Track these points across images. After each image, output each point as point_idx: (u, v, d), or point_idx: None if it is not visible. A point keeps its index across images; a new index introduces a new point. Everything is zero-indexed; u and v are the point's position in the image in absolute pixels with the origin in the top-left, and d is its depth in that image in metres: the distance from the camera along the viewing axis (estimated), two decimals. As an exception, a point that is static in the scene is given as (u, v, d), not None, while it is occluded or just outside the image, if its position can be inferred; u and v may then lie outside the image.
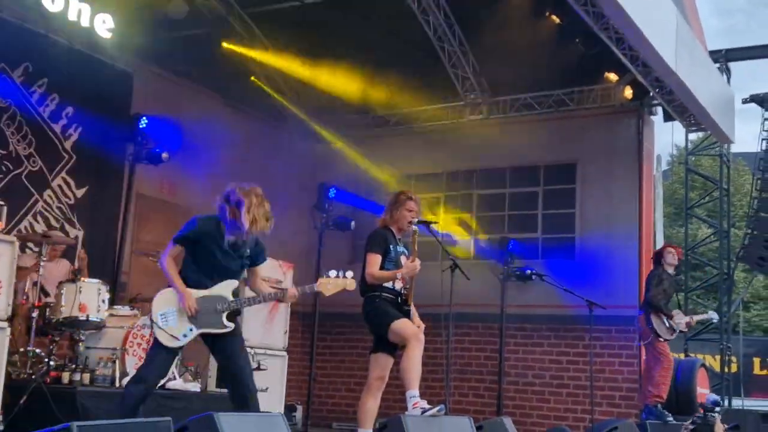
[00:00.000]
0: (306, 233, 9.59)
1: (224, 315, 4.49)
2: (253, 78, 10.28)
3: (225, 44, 9.90)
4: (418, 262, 5.31)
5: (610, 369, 9.40)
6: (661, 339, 7.87)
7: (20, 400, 5.35)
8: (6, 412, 5.35)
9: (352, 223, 9.70)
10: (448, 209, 10.71)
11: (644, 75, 8.77)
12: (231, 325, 4.50)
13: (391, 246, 5.39)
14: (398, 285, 5.39)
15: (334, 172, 10.32)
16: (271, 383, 7.55)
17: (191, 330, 4.40)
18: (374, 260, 5.34)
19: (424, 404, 5.06)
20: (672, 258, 8.14)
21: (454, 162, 10.58)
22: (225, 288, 4.50)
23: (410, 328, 5.20)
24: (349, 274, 4.85)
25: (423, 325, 5.45)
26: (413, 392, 5.10)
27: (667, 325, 7.89)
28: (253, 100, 10.48)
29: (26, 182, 7.79)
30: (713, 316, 9.00)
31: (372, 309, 5.34)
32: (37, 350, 6.07)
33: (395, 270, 5.31)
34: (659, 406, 7.69)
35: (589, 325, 8.51)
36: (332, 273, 4.79)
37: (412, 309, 5.44)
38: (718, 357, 11.45)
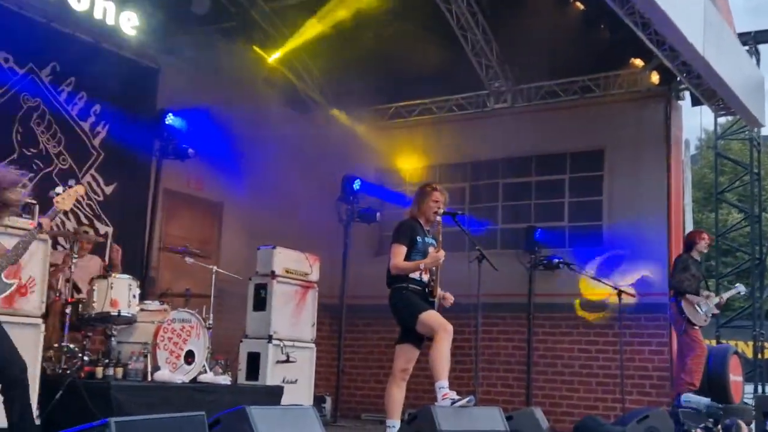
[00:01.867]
0: (332, 226, 9.61)
1: (2, 275, 4.28)
2: (275, 65, 10.30)
3: (248, 41, 9.94)
4: (442, 252, 5.32)
5: (640, 357, 9.33)
6: (695, 326, 7.81)
7: (56, 395, 5.44)
8: (42, 407, 5.44)
9: (378, 215, 9.72)
10: (474, 199, 10.67)
11: (671, 59, 8.65)
12: (14, 282, 4.33)
13: (418, 237, 5.40)
14: (425, 277, 5.40)
15: (360, 163, 10.32)
16: (300, 375, 7.61)
17: None
18: (399, 251, 5.36)
19: (454, 395, 5.08)
20: (704, 246, 8.08)
21: (479, 151, 10.53)
22: None
23: (439, 320, 5.21)
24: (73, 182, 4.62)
25: (452, 299, 5.45)
26: (442, 383, 5.11)
27: (702, 310, 7.82)
28: (278, 94, 10.52)
29: (57, 180, 7.89)
30: (740, 288, 8.84)
31: (399, 300, 5.36)
32: (71, 346, 6.16)
33: (417, 261, 5.33)
34: (692, 393, 7.63)
35: (618, 313, 8.48)
36: (59, 189, 4.54)
37: (441, 294, 5.46)
38: (750, 343, 11.30)
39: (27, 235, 4.37)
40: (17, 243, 4.41)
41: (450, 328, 5.20)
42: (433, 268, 5.38)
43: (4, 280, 4.32)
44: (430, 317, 5.23)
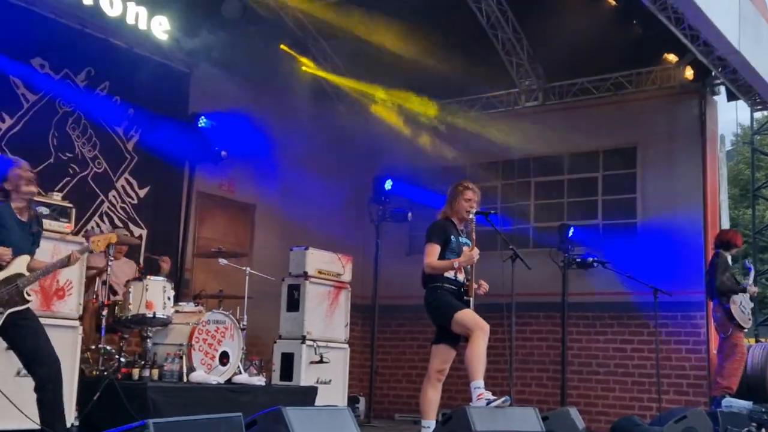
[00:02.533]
0: (364, 226, 9.62)
1: (25, 290, 4.46)
2: (305, 68, 10.35)
3: (278, 42, 10.00)
4: (476, 251, 5.30)
5: (677, 356, 9.21)
6: (743, 329, 7.69)
7: (93, 396, 5.52)
8: (80, 407, 5.52)
9: (409, 215, 9.70)
10: (506, 198, 10.61)
11: (706, 54, 8.52)
12: (32, 298, 4.52)
13: (452, 237, 5.38)
14: (460, 276, 5.38)
15: (392, 163, 10.31)
16: (334, 376, 7.63)
17: (1, 312, 4.35)
18: (432, 250, 5.34)
19: (489, 395, 5.04)
20: (739, 247, 7.97)
21: (511, 150, 10.47)
22: (20, 265, 4.47)
23: (475, 319, 5.18)
24: (108, 229, 4.97)
25: (487, 286, 5.42)
26: (478, 383, 5.08)
27: (746, 311, 7.69)
28: (309, 96, 10.55)
29: (92, 184, 8.01)
30: (749, 266, 8.67)
31: (434, 300, 5.35)
32: (108, 347, 6.25)
33: (451, 260, 5.31)
34: (728, 396, 7.50)
35: (654, 312, 8.37)
36: (97, 230, 4.91)
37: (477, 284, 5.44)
38: (789, 342, 11.09)
39: (59, 262, 4.67)
40: (49, 265, 4.65)
41: (486, 327, 5.17)
42: (468, 267, 5.35)
43: (25, 296, 4.46)
44: (466, 316, 5.21)
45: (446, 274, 5.33)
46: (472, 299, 5.37)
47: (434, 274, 5.34)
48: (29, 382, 4.51)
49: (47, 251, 5.47)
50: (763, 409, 7.19)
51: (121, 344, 6.39)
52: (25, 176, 4.62)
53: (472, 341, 5.14)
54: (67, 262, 4.64)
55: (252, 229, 10.03)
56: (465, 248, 5.40)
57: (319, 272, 7.70)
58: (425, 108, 10.50)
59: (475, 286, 5.43)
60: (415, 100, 10.40)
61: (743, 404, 7.38)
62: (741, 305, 7.71)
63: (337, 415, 3.97)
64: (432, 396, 5.31)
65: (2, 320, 4.36)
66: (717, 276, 7.72)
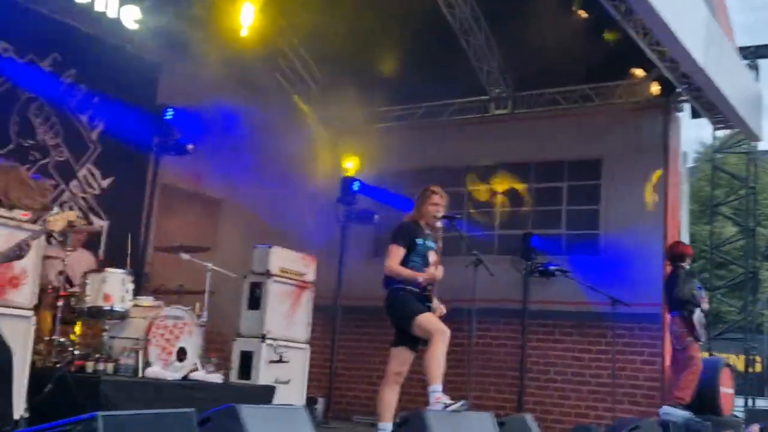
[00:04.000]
0: (329, 226, 9.59)
1: None
2: (279, 77, 10.31)
3: (250, 36, 9.90)
4: (440, 270, 5.30)
5: (632, 367, 9.32)
6: (700, 342, 7.81)
7: (44, 387, 5.41)
8: (30, 399, 5.41)
9: (376, 217, 9.70)
10: (472, 204, 10.66)
11: (672, 71, 8.66)
12: None
13: (417, 239, 5.39)
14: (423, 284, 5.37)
15: (359, 165, 10.30)
16: (293, 376, 7.58)
17: None
18: (395, 252, 5.35)
19: (447, 399, 5.06)
20: (690, 256, 8.12)
21: (478, 156, 10.53)
22: None
23: (435, 322, 5.20)
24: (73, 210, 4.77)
25: (444, 310, 5.44)
26: (436, 387, 5.10)
27: (703, 323, 7.82)
28: (278, 93, 10.50)
29: (52, 172, 7.86)
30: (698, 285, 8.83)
31: (395, 301, 5.35)
32: (62, 339, 6.14)
33: (416, 270, 5.31)
34: (680, 406, 7.61)
35: (612, 322, 8.47)
36: (54, 210, 4.72)
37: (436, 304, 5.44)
38: (742, 357, 11.33)
39: (10, 250, 4.50)
40: (5, 251, 4.50)
41: (447, 332, 5.19)
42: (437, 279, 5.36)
43: None
44: (427, 320, 5.22)
45: None
46: (433, 305, 5.39)
47: (391, 276, 5.35)
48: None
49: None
50: (699, 420, 7.32)
51: (76, 337, 6.28)
52: None
53: (432, 345, 5.15)
54: (18, 251, 4.51)
55: (216, 225, 9.93)
56: (430, 252, 5.41)
57: (283, 271, 7.65)
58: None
59: (436, 302, 5.44)
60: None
61: (681, 414, 7.50)
62: (698, 319, 7.84)
63: (293, 414, 3.94)
64: (389, 398, 5.31)
65: None
66: (679, 286, 7.82)
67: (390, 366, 5.39)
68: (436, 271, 5.31)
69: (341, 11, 9.50)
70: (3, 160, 4.57)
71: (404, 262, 5.38)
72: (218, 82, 9.35)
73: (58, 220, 4.64)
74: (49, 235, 5.10)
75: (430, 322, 5.21)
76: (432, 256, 5.45)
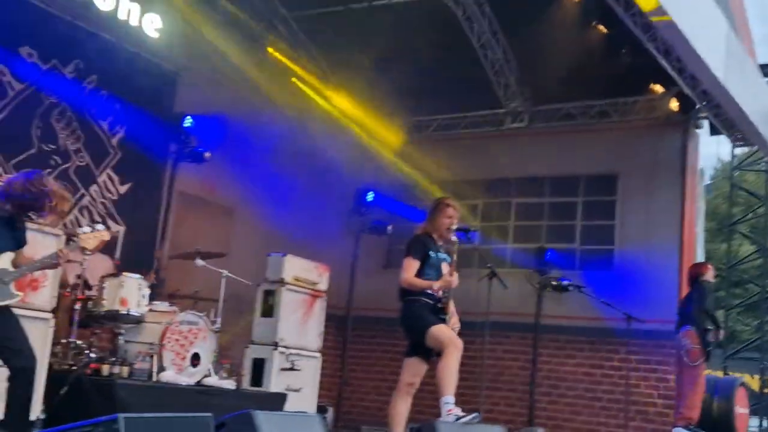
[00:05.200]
0: (343, 237, 9.62)
1: (11, 285, 4.45)
2: (294, 80, 10.37)
3: (270, 49, 10.01)
4: (456, 277, 5.32)
5: (645, 384, 9.27)
6: (708, 360, 7.77)
7: (61, 390, 5.46)
8: (47, 401, 5.46)
9: (389, 228, 9.72)
10: (486, 217, 10.67)
11: (692, 87, 8.65)
12: (20, 294, 4.50)
13: (431, 252, 5.40)
14: (438, 291, 5.39)
15: (373, 176, 10.34)
16: (305, 384, 7.59)
17: None
18: (411, 265, 5.36)
19: (459, 411, 5.06)
20: (711, 276, 8.04)
21: (493, 170, 10.54)
22: (4, 261, 4.46)
23: (448, 334, 5.21)
24: (101, 227, 4.79)
25: (459, 325, 5.45)
26: (448, 398, 5.10)
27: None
28: (295, 103, 10.56)
29: (74, 177, 7.94)
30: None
31: (410, 313, 5.36)
32: (79, 342, 6.18)
33: (431, 281, 5.33)
34: (691, 427, 7.57)
35: (626, 339, 8.43)
36: (87, 228, 4.76)
37: (452, 310, 5.45)
38: (757, 376, 11.22)
39: (47, 259, 4.58)
40: (36, 261, 4.59)
41: (460, 344, 5.19)
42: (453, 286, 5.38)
43: (12, 290, 4.42)
44: (440, 331, 5.23)
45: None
46: (448, 316, 5.39)
47: (408, 288, 5.37)
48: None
49: (29, 245, 5.41)
50: None
51: (92, 340, 6.32)
52: None
53: (445, 356, 5.15)
54: (55, 260, 4.56)
55: (231, 233, 9.98)
56: (443, 264, 5.43)
57: (296, 279, 7.67)
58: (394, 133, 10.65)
59: (451, 312, 5.45)
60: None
61: None
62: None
63: (307, 421, 3.96)
64: (401, 409, 5.31)
65: None
66: (704, 303, 7.76)
67: (403, 376, 5.40)
68: (451, 277, 5.31)
69: (358, 22, 9.58)
70: (38, 172, 4.66)
71: (418, 275, 5.40)
72: (235, 91, 9.42)
73: (90, 238, 4.68)
74: (69, 238, 5.17)
75: (443, 333, 5.22)
76: (445, 268, 5.47)
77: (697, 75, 8.21)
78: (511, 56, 10.04)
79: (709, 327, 7.73)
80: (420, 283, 5.33)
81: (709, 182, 23.23)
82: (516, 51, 9.97)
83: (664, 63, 8.19)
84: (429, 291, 5.33)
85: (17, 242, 4.60)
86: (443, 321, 5.33)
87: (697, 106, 9.29)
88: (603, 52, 9.09)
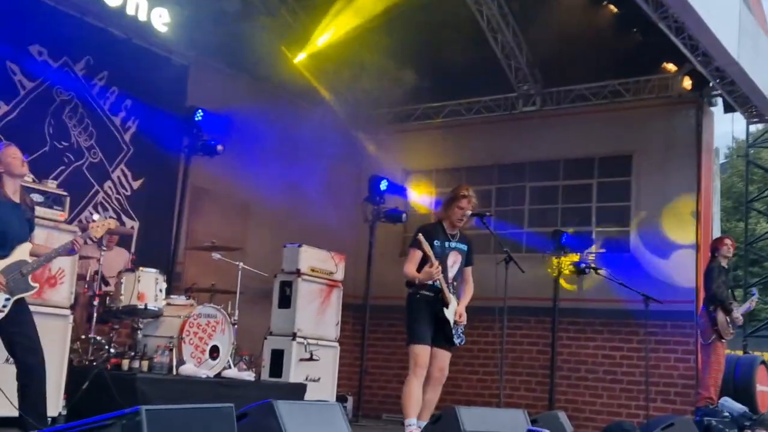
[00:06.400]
0: (358, 225, 9.62)
1: (29, 277, 4.48)
2: (302, 69, 10.34)
3: (279, 41, 9.98)
4: (435, 267, 5.22)
5: (666, 365, 9.23)
6: (723, 340, 7.72)
7: (82, 385, 5.50)
8: (69, 397, 5.50)
9: (404, 216, 9.70)
10: (500, 202, 10.62)
11: (704, 65, 8.55)
12: (37, 285, 4.55)
13: (436, 241, 5.36)
14: (440, 282, 5.34)
15: (387, 164, 10.31)
16: (323, 374, 7.62)
17: (8, 299, 4.36)
18: (412, 256, 5.36)
19: None
20: (727, 250, 7.95)
21: (507, 154, 10.48)
22: (23, 251, 4.49)
23: (421, 360, 5.22)
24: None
25: (464, 319, 5.41)
26: (409, 420, 5.14)
27: (728, 322, 7.72)
28: (307, 94, 10.54)
29: (87, 174, 7.97)
30: (753, 292, 8.71)
31: (409, 312, 5.38)
32: (98, 338, 6.23)
33: (417, 274, 5.29)
34: (710, 406, 7.54)
35: (645, 320, 8.38)
36: (96, 217, 4.85)
37: (460, 308, 5.42)
38: (778, 354, 11.14)
39: (63, 247, 4.61)
40: (52, 251, 4.62)
41: (421, 373, 5.22)
42: (439, 278, 5.30)
43: (30, 282, 4.45)
44: (416, 353, 5.23)
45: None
46: (447, 310, 5.34)
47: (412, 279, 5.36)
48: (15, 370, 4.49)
49: (41, 239, 5.44)
50: (755, 418, 7.24)
51: (112, 335, 6.37)
52: (18, 156, 4.60)
53: (406, 381, 5.21)
54: (71, 247, 4.60)
55: (246, 225, 9.99)
56: (453, 253, 5.39)
57: (312, 270, 7.68)
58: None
59: (458, 307, 5.41)
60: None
61: (737, 407, 7.44)
62: (728, 320, 7.74)
63: (328, 409, 3.96)
64: (417, 394, 5.30)
65: (9, 307, 4.34)
66: (711, 282, 7.73)
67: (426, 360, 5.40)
68: (431, 269, 5.21)
69: (367, 10, 9.53)
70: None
71: (423, 265, 5.35)
72: (246, 83, 9.41)
73: (98, 227, 4.75)
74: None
75: (418, 356, 5.23)
76: (452, 258, 5.41)
77: (710, 52, 8.12)
78: (521, 39, 9.96)
79: (712, 307, 7.68)
80: (410, 274, 5.32)
81: (724, 161, 23.05)
82: (526, 33, 9.89)
83: (676, 41, 8.10)
84: (429, 282, 5.30)
85: (30, 226, 4.63)
86: (443, 315, 5.28)
87: (711, 84, 9.18)
88: (614, 31, 9.01)
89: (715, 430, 6.09)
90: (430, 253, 5.21)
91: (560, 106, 10.40)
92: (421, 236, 5.27)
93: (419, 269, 5.31)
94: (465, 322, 5.46)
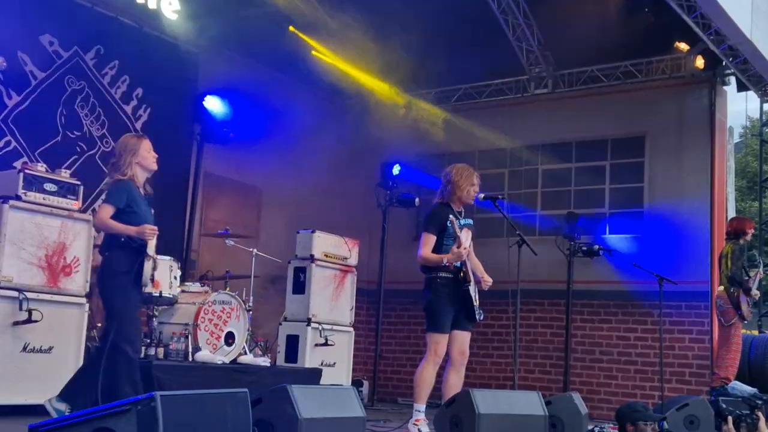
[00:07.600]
0: (371, 210, 9.62)
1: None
2: (314, 53, 10.31)
3: (290, 27, 9.94)
4: (464, 248, 5.27)
5: (680, 345, 9.21)
6: (744, 321, 7.73)
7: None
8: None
9: (417, 200, 9.69)
10: (513, 185, 10.60)
11: (717, 44, 8.47)
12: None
13: (448, 222, 5.38)
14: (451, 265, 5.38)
15: (399, 148, 10.29)
16: (338, 359, 7.66)
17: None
18: (426, 240, 5.40)
19: (425, 428, 5.14)
20: (750, 236, 7.99)
21: (519, 137, 10.44)
22: (152, 245, 4.70)
23: (439, 348, 5.30)
24: None
25: (490, 281, 5.48)
26: (418, 406, 5.21)
27: (749, 304, 7.73)
28: (317, 79, 10.51)
29: (100, 162, 8.01)
30: (759, 261, 8.71)
31: (428, 299, 5.41)
32: (114, 325, 6.26)
33: (443, 255, 5.33)
34: (726, 387, 7.54)
35: (659, 301, 8.36)
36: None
37: (479, 274, 5.44)
38: (793, 334, 11.08)
39: None
40: None
41: (438, 361, 5.31)
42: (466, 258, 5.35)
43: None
44: (435, 341, 5.31)
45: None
46: (471, 286, 5.38)
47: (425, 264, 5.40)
48: (36, 358, 4.54)
49: (54, 228, 5.50)
50: (765, 397, 7.23)
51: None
52: (153, 152, 4.66)
53: (422, 363, 5.29)
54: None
55: (259, 212, 10.03)
56: (462, 232, 5.40)
57: (326, 255, 7.71)
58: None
59: (481, 273, 5.47)
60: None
61: (747, 389, 7.44)
62: (749, 301, 7.76)
63: (342, 393, 3.99)
64: (431, 380, 5.36)
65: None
66: (733, 264, 7.72)
67: (448, 349, 5.46)
68: (459, 249, 5.26)
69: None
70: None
71: (438, 247, 5.41)
72: (257, 69, 9.40)
73: None
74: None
75: (438, 345, 5.30)
76: (464, 234, 5.44)
77: (723, 31, 8.04)
78: (532, 21, 9.89)
79: (733, 289, 7.67)
80: (433, 258, 5.34)
81: (738, 140, 22.86)
82: (537, 15, 9.81)
83: (688, 20, 8.02)
84: (446, 264, 5.33)
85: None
86: (464, 295, 5.32)
87: (724, 63, 9.10)
88: (625, 11, 8.91)
89: (726, 412, 6.09)
90: (460, 234, 5.24)
91: (572, 88, 10.34)
92: (452, 217, 5.31)
93: (433, 252, 5.36)
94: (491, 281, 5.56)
